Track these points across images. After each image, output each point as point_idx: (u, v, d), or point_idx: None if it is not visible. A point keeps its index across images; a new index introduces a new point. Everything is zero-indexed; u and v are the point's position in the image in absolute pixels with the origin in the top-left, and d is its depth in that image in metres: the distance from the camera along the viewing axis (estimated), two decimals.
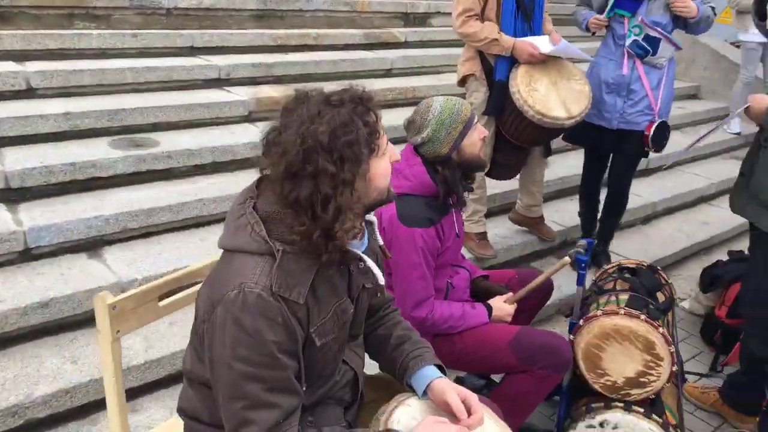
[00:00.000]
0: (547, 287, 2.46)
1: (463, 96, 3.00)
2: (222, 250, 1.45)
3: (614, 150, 3.31)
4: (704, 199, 5.05)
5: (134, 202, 3.04)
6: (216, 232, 3.12)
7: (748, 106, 2.26)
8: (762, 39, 5.61)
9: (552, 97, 2.95)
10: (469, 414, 1.45)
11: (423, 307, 2.08)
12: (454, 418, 1.45)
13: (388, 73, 4.97)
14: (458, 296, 2.26)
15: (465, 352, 2.17)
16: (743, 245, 4.56)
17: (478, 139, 2.18)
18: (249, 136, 3.70)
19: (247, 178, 3.45)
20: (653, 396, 2.13)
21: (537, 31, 3.13)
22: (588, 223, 3.66)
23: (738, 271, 3.09)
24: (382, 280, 1.47)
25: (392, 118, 4.32)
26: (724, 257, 3.47)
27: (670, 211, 4.73)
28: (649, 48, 3.07)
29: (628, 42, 3.12)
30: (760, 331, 2.37)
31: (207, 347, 1.33)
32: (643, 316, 2.06)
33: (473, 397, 1.48)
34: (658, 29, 3.05)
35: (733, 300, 3.05)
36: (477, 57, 3.14)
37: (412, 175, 2.14)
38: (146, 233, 3.04)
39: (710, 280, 3.23)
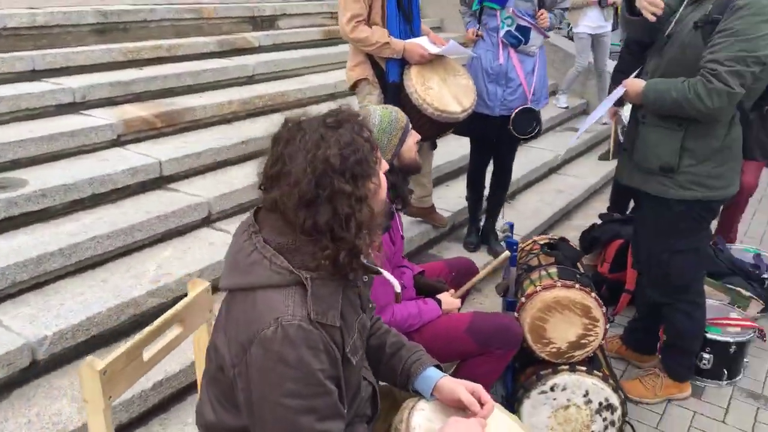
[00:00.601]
0: (473, 270, 2.63)
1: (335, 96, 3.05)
2: (226, 292, 1.39)
3: (498, 135, 3.56)
4: (553, 170, 5.60)
5: (17, 251, 2.70)
6: (117, 270, 2.90)
7: (624, 90, 2.57)
8: (590, 30, 6.38)
9: (445, 93, 3.11)
10: (481, 405, 1.54)
11: (386, 312, 2.13)
12: (465, 411, 1.53)
13: (250, 80, 4.85)
14: (408, 295, 2.34)
15: (425, 346, 2.25)
16: (597, 207, 5.18)
17: (413, 144, 2.27)
18: (125, 161, 3.43)
19: (133, 207, 3.30)
20: (592, 354, 2.38)
21: (417, 32, 3.28)
22: (475, 205, 3.92)
23: (613, 232, 3.51)
24: (398, 288, 1.50)
25: (270, 125, 4.25)
26: (583, 220, 3.90)
27: (529, 184, 5.19)
28: (521, 37, 3.35)
29: (501, 33, 3.38)
30: (656, 282, 2.73)
31: (242, 391, 1.28)
32: (577, 285, 2.29)
33: (480, 388, 1.57)
34: (527, 19, 3.34)
35: (612, 257, 3.46)
36: (367, 61, 3.21)
37: None
38: (38, 284, 2.72)
39: (589, 242, 3.63)
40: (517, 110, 3.40)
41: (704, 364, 2.93)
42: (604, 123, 6.69)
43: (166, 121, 3.91)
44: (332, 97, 5.13)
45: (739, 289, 3.27)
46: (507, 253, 2.39)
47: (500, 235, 3.81)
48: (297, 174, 1.24)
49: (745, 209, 4.20)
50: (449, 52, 3.21)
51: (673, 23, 2.45)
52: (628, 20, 2.58)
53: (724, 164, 2.41)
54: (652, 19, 2.36)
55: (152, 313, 2.78)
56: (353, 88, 3.38)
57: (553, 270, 2.47)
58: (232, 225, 3.46)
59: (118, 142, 3.69)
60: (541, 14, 3.34)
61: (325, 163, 1.24)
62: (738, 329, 2.95)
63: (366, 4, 3.07)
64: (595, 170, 5.75)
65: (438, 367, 1.66)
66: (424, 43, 3.15)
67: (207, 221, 3.43)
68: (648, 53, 2.65)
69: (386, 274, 1.46)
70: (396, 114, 2.23)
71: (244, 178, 3.70)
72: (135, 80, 4.09)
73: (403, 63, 3.15)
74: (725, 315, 3.04)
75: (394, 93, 3.17)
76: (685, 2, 2.45)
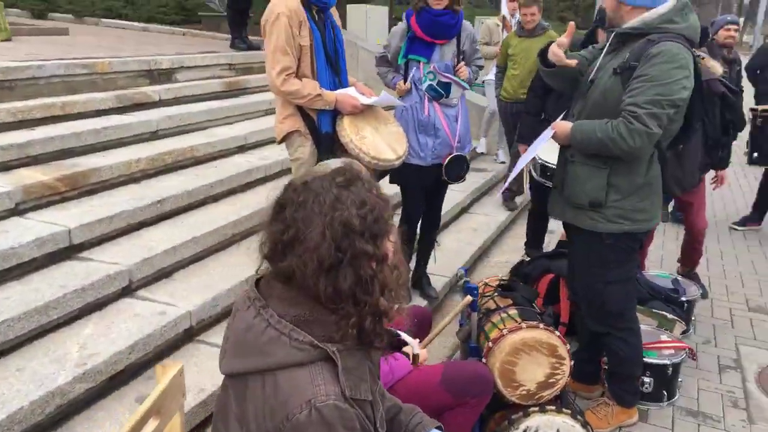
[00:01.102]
0: (429, 318, 2.60)
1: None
2: (228, 376, 1.25)
3: (431, 182, 3.61)
4: (464, 209, 5.75)
5: None
6: (34, 355, 2.58)
7: (553, 131, 2.69)
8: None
9: (379, 141, 3.10)
10: None
11: None
12: None
13: (155, 136, 4.59)
14: None
15: None
16: (510, 243, 5.36)
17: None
18: (28, 232, 3.08)
19: (44, 281, 2.96)
20: (559, 392, 2.40)
21: (345, 83, 3.27)
22: (410, 251, 3.91)
23: (543, 267, 3.62)
24: (417, 350, 1.43)
25: (184, 181, 4.05)
26: (500, 256, 4.02)
27: (446, 225, 5.28)
28: (442, 92, 3.45)
29: (424, 86, 3.47)
30: (594, 312, 2.83)
31: None
32: (541, 325, 2.31)
33: None
34: (449, 75, 3.44)
35: (545, 291, 3.56)
36: (297, 113, 3.14)
37: None
38: None
39: (522, 279, 3.71)
40: (448, 158, 3.48)
41: (646, 388, 3.05)
42: (502, 162, 7.02)
43: (69, 185, 3.58)
44: (242, 149, 4.99)
45: (663, 312, 3.47)
46: (469, 297, 2.38)
47: (459, 282, 3.85)
48: (315, 239, 1.15)
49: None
50: (380, 103, 3.23)
51: (594, 70, 2.62)
52: (547, 73, 2.73)
53: (647, 199, 2.58)
54: (572, 65, 2.53)
55: (82, 400, 2.49)
56: (282, 141, 3.28)
57: (514, 311, 2.48)
58: (158, 292, 3.21)
59: (17, 211, 3.32)
60: (460, 68, 3.48)
61: (345, 225, 1.17)
62: (671, 351, 3.12)
63: (295, 57, 3.01)
64: (501, 208, 5.98)
65: (439, 428, 1.59)
66: (354, 94, 3.14)
67: (128, 291, 3.15)
68: (550, 96, 2.81)
69: (405, 335, 1.38)
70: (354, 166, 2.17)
71: (164, 239, 3.46)
72: (30, 142, 3.73)
73: (334, 113, 3.12)
74: (657, 339, 3.20)
75: (328, 143, 3.12)
76: (604, 52, 2.64)
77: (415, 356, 1.50)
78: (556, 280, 3.48)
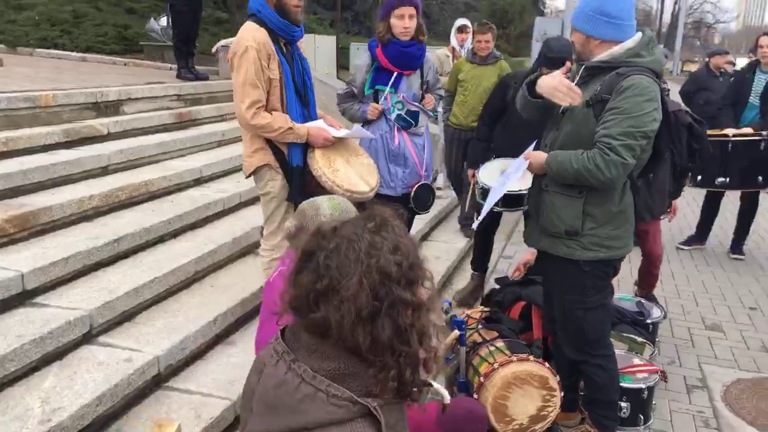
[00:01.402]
0: None
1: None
2: None
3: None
4: (424, 237, 5.75)
5: None
6: None
7: (528, 161, 2.73)
8: None
9: (351, 173, 3.06)
10: None
11: None
12: None
13: (106, 171, 4.40)
14: None
15: None
16: (469, 269, 5.37)
17: None
18: None
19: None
20: (551, 425, 2.39)
21: (314, 116, 3.22)
22: None
23: (514, 294, 3.63)
24: (447, 399, 1.38)
25: (140, 218, 3.88)
26: (463, 283, 4.00)
27: None
28: (412, 121, 3.45)
29: (393, 116, 3.47)
30: (572, 339, 2.85)
31: None
32: (531, 357, 2.30)
33: None
34: (417, 104, 3.45)
35: (518, 318, 3.57)
36: (267, 146, 3.06)
37: None
38: None
39: (496, 306, 3.71)
40: (416, 187, 3.48)
41: (623, 413, 3.07)
42: (439, 187, 7.08)
43: (19, 225, 3.36)
44: (198, 182, 4.85)
45: (632, 336, 3.53)
46: (456, 332, 2.35)
47: (445, 316, 3.80)
48: (352, 288, 1.09)
49: None
50: (352, 135, 3.20)
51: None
52: (527, 102, 2.77)
53: (621, 226, 2.64)
54: (566, 104, 2.54)
55: None
56: (251, 175, 3.19)
57: (501, 344, 2.47)
58: (121, 338, 3.04)
59: None
60: (429, 99, 3.52)
61: (382, 272, 1.11)
62: (645, 374, 3.17)
63: (264, 90, 2.95)
64: (459, 234, 6.01)
65: None
66: (324, 127, 3.10)
67: (89, 337, 2.97)
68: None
69: (436, 384, 1.33)
70: (345, 204, 2.13)
71: (125, 281, 3.29)
72: None
73: (305, 146, 3.06)
74: (630, 362, 3.24)
75: (299, 177, 3.06)
76: (574, 84, 2.70)
77: (445, 405, 1.45)
78: (528, 307, 3.50)
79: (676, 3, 52.48)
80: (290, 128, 2.96)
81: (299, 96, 3.08)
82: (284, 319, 1.26)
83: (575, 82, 2.68)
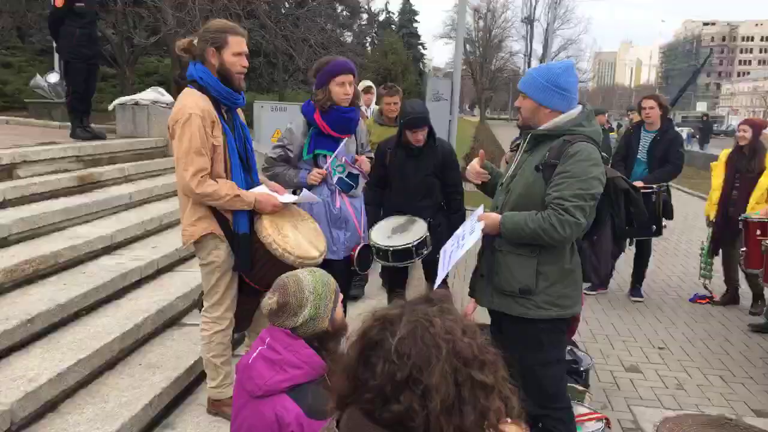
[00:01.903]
0: None
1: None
2: None
3: (341, 277, 3.51)
4: (356, 298, 5.67)
5: None
6: None
7: (482, 222, 2.79)
8: None
9: (300, 239, 2.98)
10: None
11: None
12: None
13: (6, 242, 3.98)
14: None
15: None
16: None
17: (340, 304, 2.10)
18: None
19: None
20: None
21: (256, 181, 3.13)
22: None
23: None
24: None
25: (52, 293, 3.53)
26: None
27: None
28: (352, 183, 3.45)
29: (334, 179, 3.44)
30: (532, 395, 2.87)
31: None
32: (509, 419, 2.29)
33: None
34: (356, 166, 3.46)
35: None
36: (211, 214, 2.92)
37: (302, 362, 1.91)
38: None
39: None
40: (358, 249, 3.46)
41: None
42: None
43: None
44: (110, 249, 4.51)
45: (574, 385, 3.64)
46: None
47: None
48: (435, 376, 1.04)
49: None
50: (300, 200, 3.14)
51: (514, 166, 2.81)
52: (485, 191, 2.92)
53: (571, 285, 2.76)
54: (478, 181, 2.88)
55: None
56: (192, 244, 3.01)
57: None
58: None
59: None
60: (364, 161, 3.56)
61: (461, 357, 1.08)
62: (593, 422, 3.26)
63: (209, 158, 2.83)
64: (383, 290, 5.99)
65: None
66: (270, 193, 3.01)
67: None
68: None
69: None
70: (326, 277, 2.06)
71: (45, 365, 2.95)
72: None
73: (250, 213, 2.95)
74: (578, 412, 3.33)
75: (246, 245, 2.93)
76: (520, 150, 2.84)
77: None
78: None
79: (542, 63, 57.36)
80: (237, 195, 2.85)
81: (242, 162, 2.98)
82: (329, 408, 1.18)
83: (522, 148, 2.81)
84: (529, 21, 60.79)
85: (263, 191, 3.00)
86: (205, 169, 2.80)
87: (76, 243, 4.17)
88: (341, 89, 3.34)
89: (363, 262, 3.51)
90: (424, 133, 4.04)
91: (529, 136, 2.77)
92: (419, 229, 3.96)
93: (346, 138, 3.45)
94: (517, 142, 3.07)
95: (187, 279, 4.43)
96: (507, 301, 2.75)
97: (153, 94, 7.55)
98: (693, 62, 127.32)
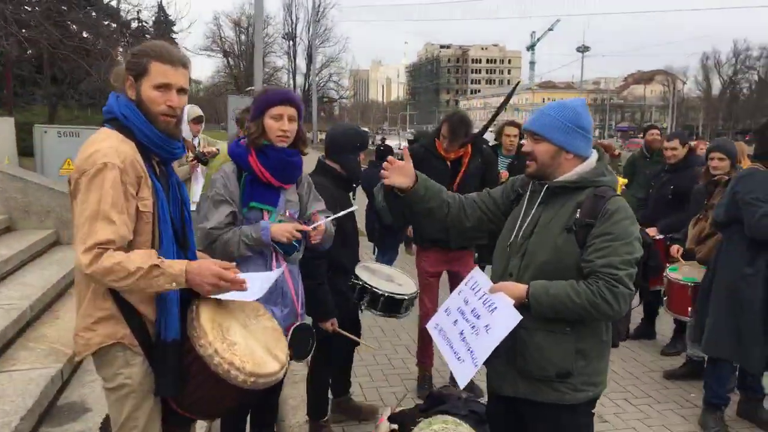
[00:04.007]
0: None
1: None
2: None
3: None
4: None
5: None
6: None
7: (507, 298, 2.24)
8: None
9: (252, 345, 2.11)
10: None
11: None
12: None
13: None
14: None
15: None
16: None
17: None
18: None
19: None
20: None
21: (193, 260, 2.17)
22: None
23: None
24: None
25: None
26: None
27: None
28: (296, 244, 2.64)
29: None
30: None
31: None
32: None
33: None
34: (301, 220, 2.70)
35: None
36: (119, 312, 1.95)
37: None
38: None
39: None
40: (293, 329, 2.67)
41: None
42: None
43: None
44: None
45: None
46: None
47: None
48: None
49: None
50: (269, 278, 2.27)
51: (525, 224, 2.35)
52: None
53: (605, 359, 2.40)
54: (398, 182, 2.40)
55: None
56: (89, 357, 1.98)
57: None
58: None
59: None
60: (315, 215, 2.81)
61: None
62: None
63: (129, 228, 1.88)
64: None
65: None
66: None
67: None
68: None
69: None
70: None
71: None
72: None
73: (181, 306, 2.02)
74: None
75: (173, 357, 1.99)
76: (524, 204, 2.39)
77: None
78: None
79: (306, 79, 58.38)
80: (155, 266, 1.89)
81: (176, 236, 2.04)
82: None
83: (537, 202, 2.34)
84: (290, 37, 61.22)
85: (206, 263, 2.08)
86: (111, 242, 1.86)
87: None
88: (276, 124, 2.61)
89: (300, 347, 2.71)
90: None
91: (545, 190, 2.31)
92: (409, 283, 3.70)
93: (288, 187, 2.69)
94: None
95: None
96: (537, 388, 2.29)
97: None
98: (435, 81, 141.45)
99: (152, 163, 2.02)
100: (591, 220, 2.20)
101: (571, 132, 2.25)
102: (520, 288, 2.21)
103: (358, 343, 3.65)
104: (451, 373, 4.61)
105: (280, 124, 2.60)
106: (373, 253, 6.54)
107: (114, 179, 1.85)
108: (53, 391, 3.46)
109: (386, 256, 6.39)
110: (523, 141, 6.50)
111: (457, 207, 2.53)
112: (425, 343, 4.43)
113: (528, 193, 2.42)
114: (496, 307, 2.19)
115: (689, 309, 4.54)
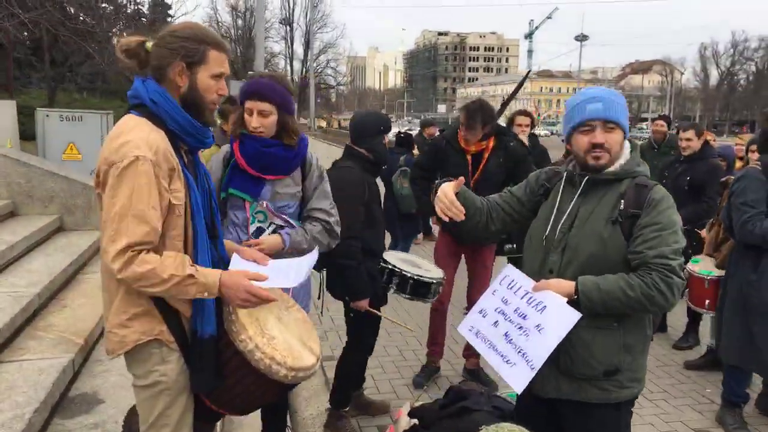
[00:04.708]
0: None
1: None
2: None
3: None
4: None
5: None
6: None
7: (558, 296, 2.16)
8: None
9: (289, 339, 2.04)
10: None
11: None
12: None
13: None
14: None
15: None
16: None
17: None
18: None
19: None
20: None
21: (223, 255, 2.11)
22: None
23: None
24: None
25: None
26: None
27: None
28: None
29: (251, 229, 2.61)
30: None
31: None
32: None
33: None
34: (284, 216, 2.63)
35: None
36: (155, 308, 1.86)
37: None
38: None
39: None
40: None
41: None
42: None
43: None
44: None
45: None
46: None
47: None
48: None
49: None
50: (296, 279, 2.18)
51: (564, 215, 2.25)
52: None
53: (646, 353, 2.32)
54: (445, 219, 2.26)
55: None
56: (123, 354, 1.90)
57: None
58: None
59: None
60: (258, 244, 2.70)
61: None
62: None
63: (159, 225, 1.78)
64: None
65: None
66: (242, 267, 2.01)
67: None
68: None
69: None
70: None
71: None
72: None
73: (217, 302, 1.94)
74: None
75: (209, 354, 1.92)
76: (558, 197, 2.30)
77: None
78: None
79: (304, 65, 57.88)
80: (190, 276, 1.81)
81: (208, 229, 1.95)
82: None
83: (575, 194, 2.25)
84: (287, 23, 60.64)
85: (235, 267, 2.01)
86: (147, 243, 1.77)
87: None
88: (248, 118, 2.61)
89: None
90: None
91: (586, 180, 2.23)
92: (434, 269, 3.75)
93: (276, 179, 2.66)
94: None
95: None
96: (581, 387, 2.21)
97: None
98: (433, 68, 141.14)
99: (181, 152, 1.93)
100: (637, 211, 2.12)
101: (626, 117, 2.20)
102: (567, 285, 2.12)
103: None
104: (464, 367, 4.59)
105: (250, 120, 2.60)
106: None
107: (147, 173, 1.76)
108: (65, 382, 3.37)
109: (399, 246, 6.34)
110: (534, 130, 6.41)
111: (486, 214, 2.44)
112: (435, 330, 4.43)
113: (562, 185, 2.33)
114: (545, 306, 2.11)
115: (706, 302, 4.54)
